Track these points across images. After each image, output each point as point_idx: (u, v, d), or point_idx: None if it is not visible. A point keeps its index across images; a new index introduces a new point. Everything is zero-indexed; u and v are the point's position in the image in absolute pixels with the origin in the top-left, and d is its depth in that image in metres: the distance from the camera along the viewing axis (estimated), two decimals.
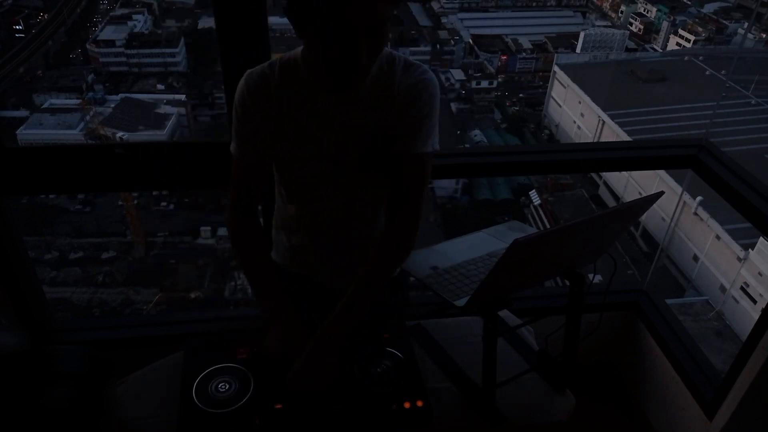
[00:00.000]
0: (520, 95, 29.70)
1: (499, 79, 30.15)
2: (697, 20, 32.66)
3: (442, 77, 29.44)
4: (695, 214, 15.17)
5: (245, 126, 1.25)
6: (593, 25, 34.51)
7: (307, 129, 1.24)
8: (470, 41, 32.50)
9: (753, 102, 20.32)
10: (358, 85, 1.17)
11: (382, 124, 1.24)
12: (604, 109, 21.83)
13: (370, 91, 1.21)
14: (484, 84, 29.18)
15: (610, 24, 35.47)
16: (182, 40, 29.41)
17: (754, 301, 13.16)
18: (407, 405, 1.21)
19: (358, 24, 1.03)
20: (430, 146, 1.26)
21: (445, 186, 21.17)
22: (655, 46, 32.72)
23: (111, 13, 31.46)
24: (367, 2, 1.02)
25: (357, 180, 1.29)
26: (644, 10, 35.09)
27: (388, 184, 1.30)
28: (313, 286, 1.47)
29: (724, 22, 31.82)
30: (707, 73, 23.70)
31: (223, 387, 1.22)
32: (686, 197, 13.78)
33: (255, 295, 1.36)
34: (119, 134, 21.43)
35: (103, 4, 32.05)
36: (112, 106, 24.25)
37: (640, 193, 15.21)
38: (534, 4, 37.16)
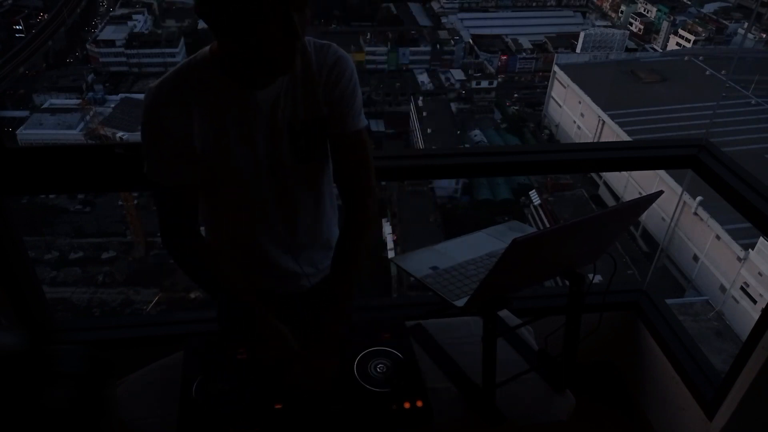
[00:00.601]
0: (515, 95, 29.72)
1: (499, 79, 30.18)
2: (697, 20, 32.70)
3: (442, 77, 29.48)
4: (695, 214, 15.19)
5: (165, 143, 1.16)
6: (593, 25, 34.55)
7: (236, 129, 1.19)
8: (470, 41, 32.55)
9: (753, 102, 20.34)
10: (295, 65, 1.13)
11: (308, 109, 1.22)
12: (604, 109, 21.85)
13: (290, 78, 1.19)
14: (484, 84, 29.22)
15: (610, 24, 35.52)
16: (182, 40, 29.45)
17: (754, 301, 13.18)
18: (407, 405, 1.21)
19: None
20: (362, 121, 1.27)
21: (445, 186, 21.20)
22: (655, 46, 32.77)
23: (111, 13, 31.49)
24: None
25: (294, 172, 1.26)
26: (644, 10, 35.12)
27: (324, 170, 1.31)
28: (261, 295, 1.38)
29: (724, 22, 31.85)
30: (707, 73, 23.73)
31: (224, 387, 1.22)
32: (686, 197, 13.79)
33: (233, 310, 1.28)
34: (119, 134, 21.46)
35: (103, 6, 32.06)
36: (112, 106, 24.29)
37: (640, 193, 15.19)
38: (534, 4, 37.22)
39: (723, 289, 14.61)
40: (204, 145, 1.18)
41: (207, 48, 1.17)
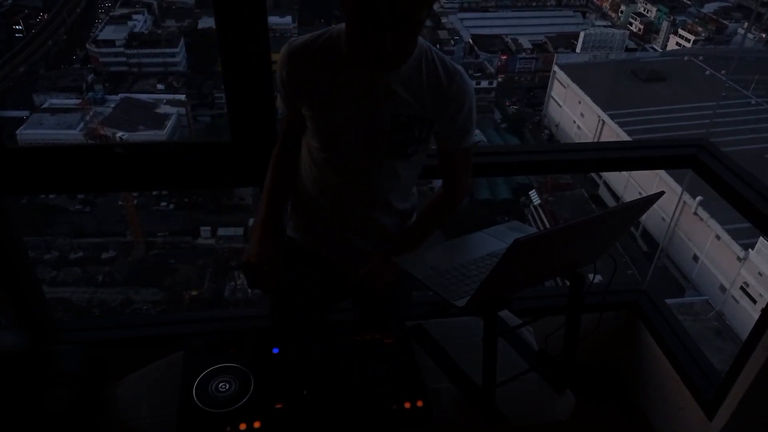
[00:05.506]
0: (509, 91, 29.70)
1: (499, 79, 30.14)
2: (697, 20, 32.65)
3: None
4: (695, 214, 15.18)
5: (285, 89, 1.38)
6: (593, 25, 34.47)
7: (343, 102, 1.31)
8: (470, 41, 32.47)
9: (753, 102, 20.32)
10: (392, 66, 1.25)
11: (417, 110, 1.32)
12: (604, 109, 21.83)
13: (406, 82, 1.29)
14: (484, 84, 29.18)
15: (610, 24, 35.43)
16: (182, 40, 29.39)
17: (754, 301, 13.17)
18: (407, 405, 1.22)
19: (382, 17, 1.09)
20: (473, 139, 1.46)
21: None
22: (655, 46, 32.70)
23: (111, 13, 31.44)
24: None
25: (384, 161, 1.38)
26: (644, 10, 35.08)
27: (412, 173, 1.48)
28: (319, 260, 1.57)
29: (724, 22, 31.80)
30: (707, 73, 23.69)
31: (223, 387, 1.22)
32: (686, 197, 13.78)
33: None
34: (119, 134, 21.42)
35: (103, 9, 32.04)
36: (112, 106, 24.22)
37: (640, 193, 15.21)
38: (534, 4, 37.13)
39: (723, 289, 14.59)
40: (314, 108, 1.34)
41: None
